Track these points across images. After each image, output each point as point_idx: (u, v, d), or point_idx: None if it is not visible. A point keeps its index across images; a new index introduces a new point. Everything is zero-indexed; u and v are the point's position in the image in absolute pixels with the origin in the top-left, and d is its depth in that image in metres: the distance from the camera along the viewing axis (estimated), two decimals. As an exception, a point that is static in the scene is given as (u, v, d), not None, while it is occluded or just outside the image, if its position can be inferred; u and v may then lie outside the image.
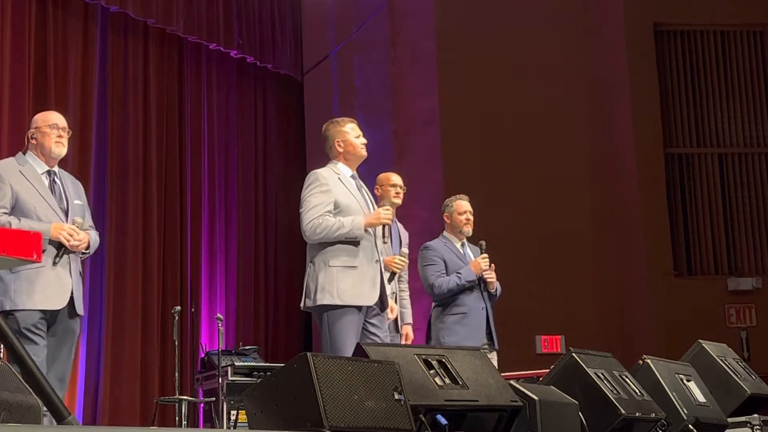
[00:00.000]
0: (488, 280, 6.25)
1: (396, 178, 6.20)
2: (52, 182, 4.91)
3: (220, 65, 10.61)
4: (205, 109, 10.34)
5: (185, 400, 7.27)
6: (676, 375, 5.02)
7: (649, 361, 4.91)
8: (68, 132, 5.02)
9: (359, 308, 4.92)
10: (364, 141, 5.19)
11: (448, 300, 6.22)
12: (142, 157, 9.49)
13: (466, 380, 3.85)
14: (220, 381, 7.44)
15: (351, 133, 5.15)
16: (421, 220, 9.05)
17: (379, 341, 4.94)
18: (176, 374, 7.42)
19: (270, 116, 11.25)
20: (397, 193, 6.10)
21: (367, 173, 5.62)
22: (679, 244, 11.19)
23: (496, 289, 6.34)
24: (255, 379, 7.24)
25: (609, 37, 11.31)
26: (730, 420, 5.13)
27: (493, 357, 6.13)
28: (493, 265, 6.28)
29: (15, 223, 4.69)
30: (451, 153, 10.71)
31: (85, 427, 3.47)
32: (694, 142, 11.48)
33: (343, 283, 4.87)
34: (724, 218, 11.34)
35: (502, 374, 4.24)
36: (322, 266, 4.91)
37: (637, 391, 4.57)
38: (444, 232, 6.50)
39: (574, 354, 4.50)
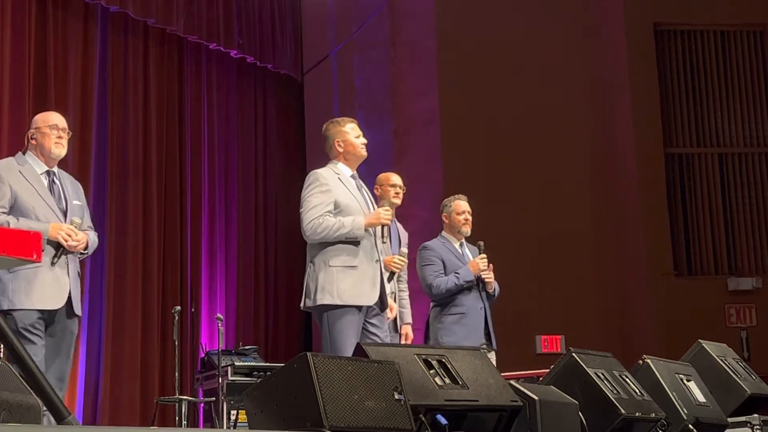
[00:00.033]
0: (486, 280, 6.25)
1: (396, 178, 6.20)
2: (52, 182, 4.92)
3: (220, 65, 10.61)
4: (205, 109, 10.34)
5: (185, 400, 7.27)
6: (676, 375, 5.02)
7: (649, 361, 4.91)
8: (68, 133, 5.02)
9: (359, 308, 4.92)
10: (364, 141, 5.19)
11: (446, 300, 6.22)
12: (142, 157, 9.49)
13: (466, 380, 3.85)
14: (220, 381, 7.44)
15: (351, 133, 5.15)
16: (421, 220, 9.05)
17: (379, 341, 4.94)
18: (176, 374, 7.42)
19: (270, 116, 11.25)
20: (397, 193, 6.10)
21: (367, 173, 5.62)
22: (679, 244, 11.19)
23: (495, 290, 6.34)
24: (255, 379, 7.24)
25: (609, 37, 11.31)
26: (730, 420, 5.13)
27: (492, 357, 6.13)
28: (491, 265, 6.28)
29: (13, 223, 4.69)
30: (451, 153, 10.71)
31: (85, 427, 3.47)
32: (694, 142, 11.48)
33: (343, 283, 4.87)
34: (724, 218, 11.34)
35: (502, 374, 4.24)
36: (322, 266, 4.91)
37: (637, 391, 4.57)
38: (442, 232, 6.50)
39: (574, 354, 4.50)
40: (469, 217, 6.42)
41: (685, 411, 4.69)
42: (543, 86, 10.91)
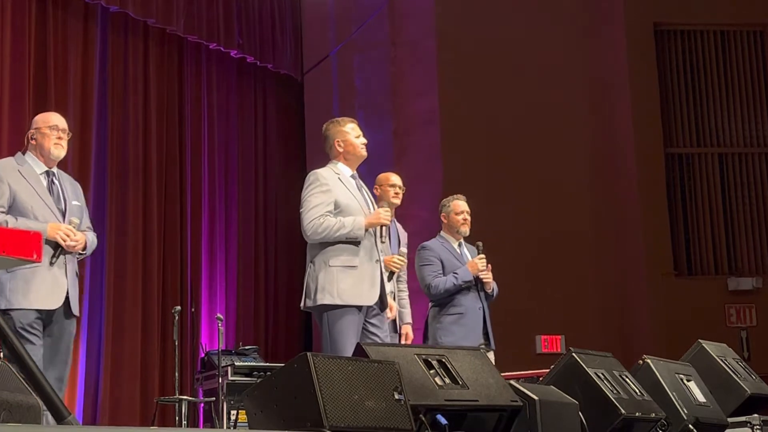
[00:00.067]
0: (485, 280, 6.25)
1: (395, 179, 6.19)
2: (51, 183, 4.91)
3: (220, 65, 10.61)
4: (205, 109, 10.34)
5: (185, 400, 7.27)
6: (676, 375, 5.01)
7: (649, 361, 4.90)
8: (68, 134, 5.02)
9: (359, 308, 4.92)
10: (364, 141, 5.19)
11: (445, 300, 6.22)
12: (142, 157, 9.49)
13: (466, 380, 3.85)
14: (220, 381, 7.44)
15: (351, 133, 5.15)
16: (421, 220, 9.05)
17: (379, 341, 4.94)
18: (176, 374, 7.42)
19: (270, 116, 11.25)
20: (396, 193, 6.10)
21: (367, 173, 5.62)
22: (679, 244, 11.19)
23: (493, 290, 6.34)
24: (255, 379, 7.24)
25: (609, 37, 11.31)
26: (730, 420, 5.13)
27: (490, 357, 6.13)
28: (489, 265, 6.28)
29: (12, 222, 4.69)
30: (451, 153, 10.71)
31: (85, 427, 3.47)
32: (694, 142, 11.48)
33: (343, 282, 4.87)
34: (724, 218, 11.34)
35: (502, 374, 4.24)
36: (323, 266, 4.91)
37: (637, 391, 4.57)
38: (441, 232, 6.49)
39: (574, 354, 4.50)
40: (468, 217, 6.41)
41: (685, 411, 4.69)
42: (543, 86, 10.91)
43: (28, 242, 2.67)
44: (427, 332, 6.33)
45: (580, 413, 4.18)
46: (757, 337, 10.80)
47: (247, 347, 8.35)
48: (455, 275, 6.19)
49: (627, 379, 4.61)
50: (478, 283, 6.25)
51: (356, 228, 4.90)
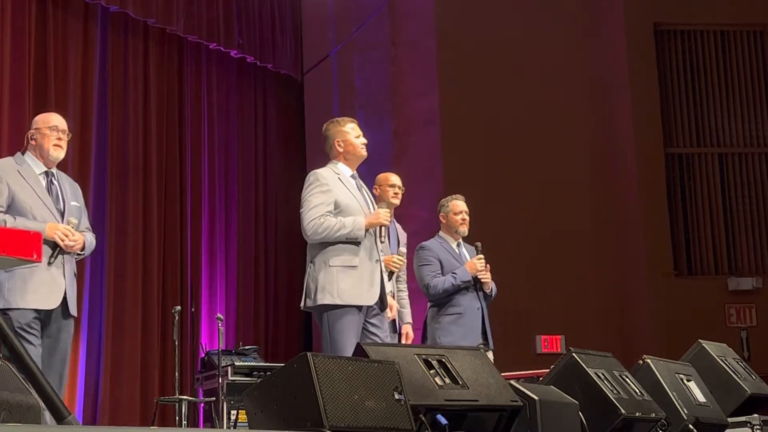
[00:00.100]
0: (483, 280, 6.25)
1: (395, 179, 6.19)
2: (50, 183, 4.91)
3: (220, 65, 10.61)
4: (205, 109, 10.34)
5: (185, 400, 7.27)
6: (676, 375, 5.01)
7: (649, 361, 4.90)
8: (68, 135, 5.02)
9: (359, 308, 4.92)
10: (364, 141, 5.19)
11: (443, 300, 6.22)
12: (142, 157, 9.49)
13: (466, 380, 3.85)
14: (220, 381, 7.44)
15: (351, 133, 5.15)
16: (421, 219, 9.05)
17: (380, 341, 4.94)
18: (176, 374, 7.42)
19: (270, 116, 11.25)
20: (396, 193, 6.11)
21: (367, 173, 5.62)
22: (679, 244, 11.19)
23: (492, 290, 6.34)
24: (255, 379, 7.24)
25: (609, 37, 11.31)
26: (730, 420, 5.13)
27: (489, 357, 6.13)
28: (488, 265, 6.28)
29: (10, 222, 4.69)
30: (451, 153, 10.71)
31: (85, 427, 3.47)
32: (694, 142, 11.47)
33: (343, 282, 4.87)
34: (724, 218, 11.33)
35: (502, 374, 4.24)
36: (323, 266, 4.91)
37: (637, 391, 4.57)
38: (440, 232, 6.49)
39: (574, 354, 4.50)
40: (467, 217, 6.41)
41: (685, 411, 4.69)
42: (543, 86, 10.91)
43: (27, 242, 2.66)
44: (425, 332, 6.33)
45: (580, 413, 4.18)
46: (757, 337, 10.80)
47: (247, 347, 8.35)
48: (454, 275, 6.19)
49: (627, 379, 4.61)
50: (476, 284, 6.25)
51: (356, 228, 4.90)
